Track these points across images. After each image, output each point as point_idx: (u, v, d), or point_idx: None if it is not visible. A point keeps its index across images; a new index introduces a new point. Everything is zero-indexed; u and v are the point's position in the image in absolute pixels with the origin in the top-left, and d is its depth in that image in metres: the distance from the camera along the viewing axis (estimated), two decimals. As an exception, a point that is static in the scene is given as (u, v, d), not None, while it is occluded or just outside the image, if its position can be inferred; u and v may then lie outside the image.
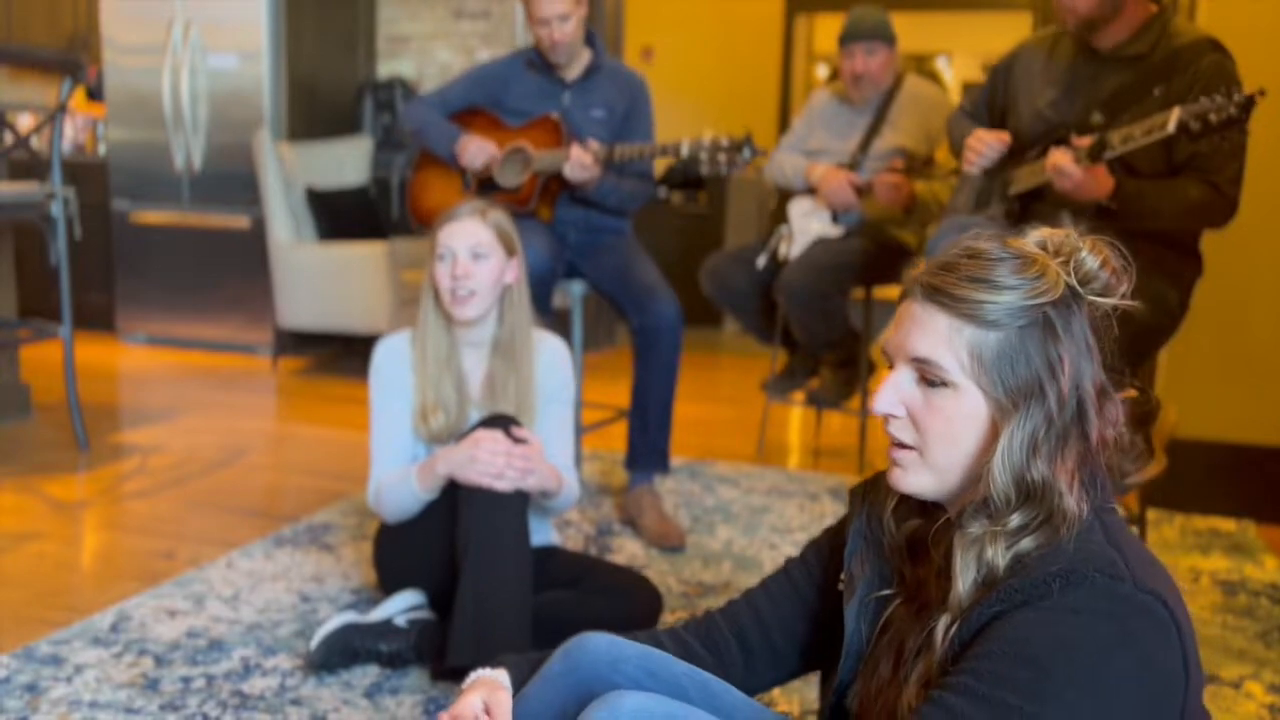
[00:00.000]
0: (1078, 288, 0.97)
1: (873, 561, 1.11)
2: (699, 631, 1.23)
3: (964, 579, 0.96)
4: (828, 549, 1.21)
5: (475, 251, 1.96)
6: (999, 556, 0.95)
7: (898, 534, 1.09)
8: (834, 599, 1.15)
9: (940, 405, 0.98)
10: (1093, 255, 0.98)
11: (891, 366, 1.03)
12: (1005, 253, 0.98)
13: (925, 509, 1.08)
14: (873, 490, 1.14)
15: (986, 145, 2.40)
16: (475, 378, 2.06)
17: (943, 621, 0.96)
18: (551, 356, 2.10)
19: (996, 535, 0.95)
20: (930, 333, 0.98)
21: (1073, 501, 0.94)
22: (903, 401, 1.01)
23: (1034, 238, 1.00)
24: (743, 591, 1.26)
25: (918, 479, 1.02)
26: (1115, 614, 0.88)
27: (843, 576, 1.13)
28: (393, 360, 2.04)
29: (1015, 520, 0.95)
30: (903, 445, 1.02)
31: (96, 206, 4.93)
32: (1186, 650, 0.90)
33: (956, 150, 2.69)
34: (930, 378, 0.98)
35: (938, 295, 0.98)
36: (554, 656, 1.14)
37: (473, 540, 1.80)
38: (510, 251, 2.02)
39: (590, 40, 2.87)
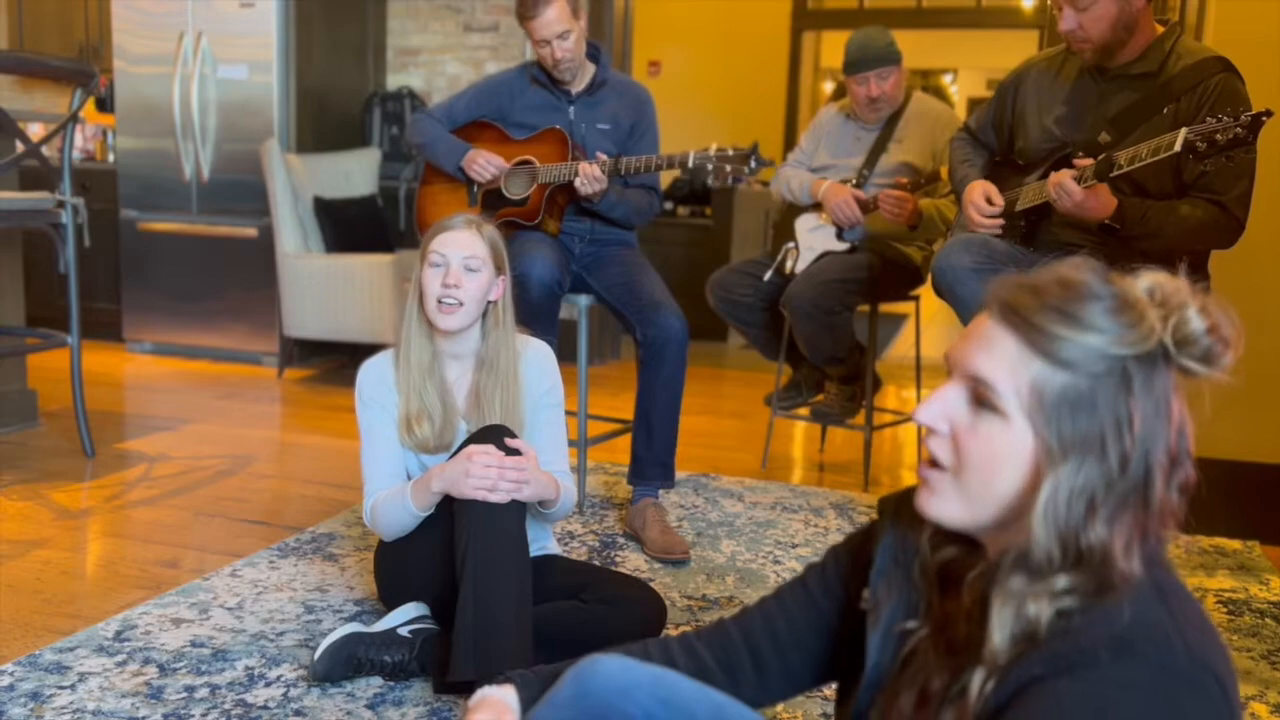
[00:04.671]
0: (1171, 348, 0.88)
1: (900, 585, 1.05)
2: (712, 643, 1.19)
3: (1000, 634, 0.89)
4: (849, 563, 1.15)
5: (468, 264, 1.96)
6: (1042, 614, 0.88)
7: (931, 561, 1.03)
8: (854, 617, 1.10)
9: (985, 430, 0.92)
10: (1200, 317, 0.88)
11: (950, 376, 0.97)
12: (1103, 290, 0.90)
13: (964, 541, 1.01)
14: (905, 506, 1.06)
15: (983, 214, 2.42)
16: (460, 390, 2.06)
17: (978, 676, 0.90)
18: (536, 361, 2.09)
19: (1040, 594, 0.89)
20: (995, 354, 0.91)
21: (1128, 567, 0.88)
22: (948, 417, 0.94)
23: (1145, 282, 0.91)
24: (758, 601, 1.22)
25: (947, 506, 0.96)
26: (1166, 691, 0.82)
27: (865, 595, 1.08)
28: (375, 381, 2.05)
29: (1062, 582, 0.88)
30: (936, 465, 0.96)
31: (105, 215, 4.96)
32: None
33: (953, 176, 2.70)
34: (982, 400, 0.92)
35: (1014, 317, 0.91)
36: (563, 680, 1.09)
37: (471, 552, 1.79)
38: (499, 269, 2.02)
39: (595, 55, 2.89)
